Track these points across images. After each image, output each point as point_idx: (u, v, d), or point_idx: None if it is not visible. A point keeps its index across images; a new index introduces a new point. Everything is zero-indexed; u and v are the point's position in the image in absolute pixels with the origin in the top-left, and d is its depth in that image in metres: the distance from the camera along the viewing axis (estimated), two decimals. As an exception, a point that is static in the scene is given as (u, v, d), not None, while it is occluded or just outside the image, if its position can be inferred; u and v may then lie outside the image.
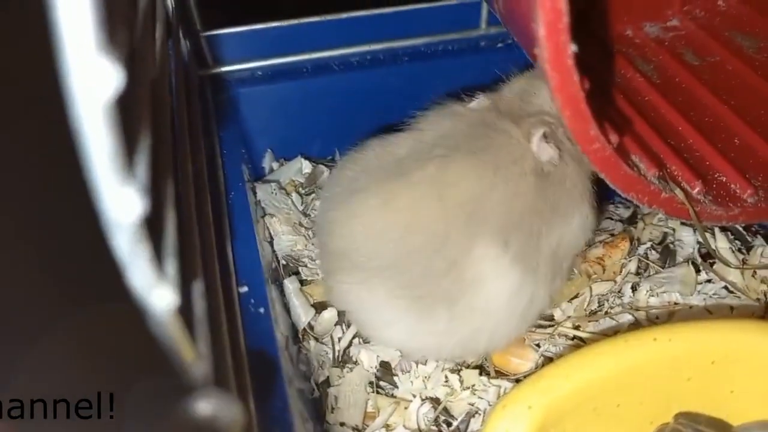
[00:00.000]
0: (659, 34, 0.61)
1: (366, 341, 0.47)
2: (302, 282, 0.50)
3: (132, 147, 0.21)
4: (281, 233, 0.52)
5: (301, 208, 0.56)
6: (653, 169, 0.41)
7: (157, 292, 0.22)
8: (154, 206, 0.23)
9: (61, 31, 0.17)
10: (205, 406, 0.23)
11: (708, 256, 0.50)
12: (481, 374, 0.45)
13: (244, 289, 0.40)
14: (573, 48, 0.30)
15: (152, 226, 0.22)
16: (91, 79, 0.17)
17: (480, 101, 0.47)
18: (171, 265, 0.23)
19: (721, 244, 0.49)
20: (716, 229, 0.50)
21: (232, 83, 0.58)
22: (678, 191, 0.41)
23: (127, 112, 0.20)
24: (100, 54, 0.17)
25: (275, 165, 0.62)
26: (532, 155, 0.42)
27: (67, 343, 0.30)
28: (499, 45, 0.62)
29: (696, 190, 0.43)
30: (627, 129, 0.45)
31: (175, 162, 0.32)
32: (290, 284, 0.49)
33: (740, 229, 0.51)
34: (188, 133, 0.40)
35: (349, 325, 0.49)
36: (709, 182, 0.45)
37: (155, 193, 0.24)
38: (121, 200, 0.19)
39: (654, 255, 0.51)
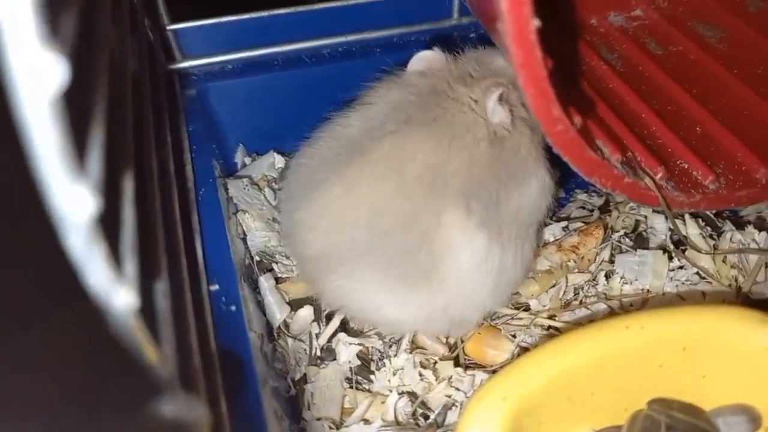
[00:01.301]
0: (623, 24, 0.62)
1: (350, 333, 0.47)
2: (277, 279, 0.50)
3: (83, 142, 0.20)
4: (254, 229, 0.52)
5: (274, 203, 0.55)
6: (617, 153, 0.41)
7: (115, 293, 0.21)
8: (111, 203, 0.22)
9: (1, 23, 0.16)
10: (168, 408, 0.22)
11: (680, 243, 0.50)
12: (456, 366, 0.45)
13: (215, 287, 0.39)
14: (536, 23, 0.30)
15: (109, 224, 0.21)
16: (35, 73, 0.16)
17: (433, 56, 0.47)
18: (130, 264, 0.23)
19: (692, 230, 0.50)
20: (686, 216, 0.50)
21: (201, 77, 0.57)
22: (646, 178, 0.41)
23: (78, 107, 0.20)
24: (43, 47, 0.16)
25: (248, 160, 0.61)
26: (485, 122, 0.42)
27: (35, 346, 0.29)
28: (472, 35, 0.62)
29: (659, 176, 0.43)
30: (591, 113, 0.45)
31: (137, 158, 0.31)
32: (265, 281, 0.48)
33: (710, 215, 0.52)
34: (154, 128, 0.39)
35: (327, 321, 0.48)
36: (672, 169, 0.45)
37: (112, 190, 0.23)
38: (72, 198, 0.19)
39: (627, 242, 0.52)
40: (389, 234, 0.40)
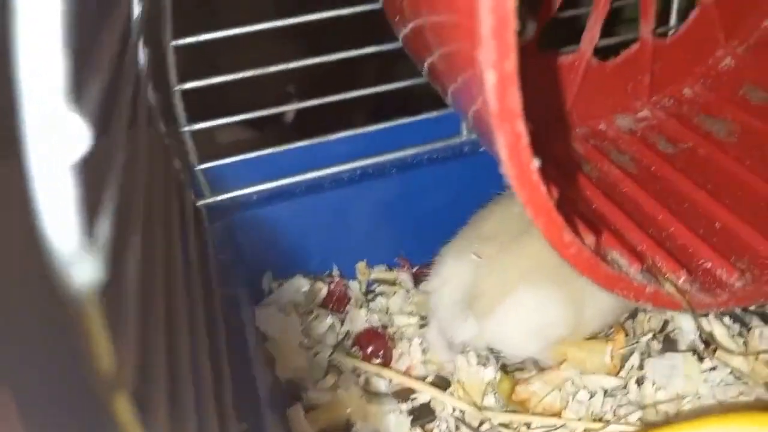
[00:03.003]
0: (632, 126, 0.64)
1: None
2: (306, 408, 0.49)
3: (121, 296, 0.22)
4: (282, 356, 0.52)
5: (300, 328, 0.56)
6: (636, 263, 0.42)
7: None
8: (144, 345, 0.24)
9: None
10: None
11: (710, 343, 0.49)
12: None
13: (243, 426, 0.39)
14: (536, 163, 0.31)
15: (141, 373, 0.23)
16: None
17: None
18: (159, 398, 0.24)
19: (718, 329, 0.49)
20: (711, 315, 0.50)
21: (229, 210, 0.61)
22: (667, 284, 0.42)
23: (115, 257, 0.22)
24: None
25: (275, 285, 0.63)
26: None
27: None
28: (482, 149, 0.65)
29: (681, 279, 0.43)
30: (604, 226, 0.46)
31: (167, 295, 0.33)
32: (293, 414, 0.48)
33: (737, 311, 0.51)
34: (183, 264, 0.42)
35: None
36: (695, 270, 0.45)
37: (145, 332, 0.25)
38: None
39: (656, 345, 0.51)
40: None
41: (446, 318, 0.52)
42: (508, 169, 0.31)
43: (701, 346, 0.49)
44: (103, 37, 0.27)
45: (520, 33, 0.27)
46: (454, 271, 0.52)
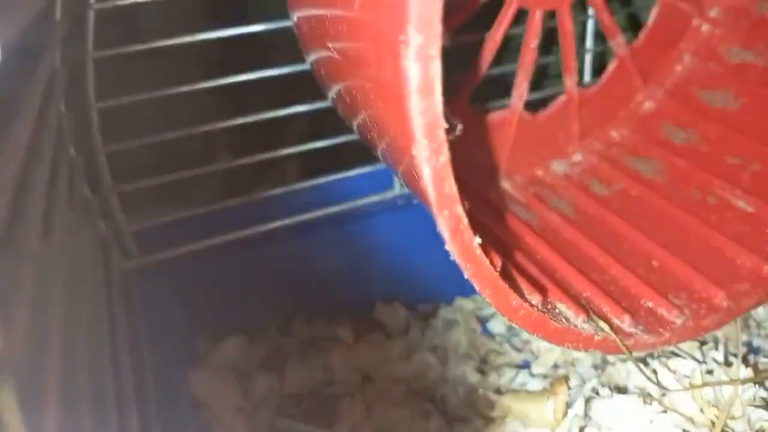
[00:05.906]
0: (567, 170, 0.65)
1: None
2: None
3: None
4: (218, 423, 0.50)
5: (238, 391, 0.54)
6: (581, 314, 0.42)
7: None
8: None
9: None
10: None
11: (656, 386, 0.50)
12: None
13: None
14: (477, 241, 0.32)
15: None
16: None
17: None
18: None
19: (662, 372, 0.50)
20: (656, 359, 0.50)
21: (160, 270, 0.58)
22: (604, 326, 0.42)
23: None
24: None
25: (210, 347, 0.60)
26: None
27: None
28: (415, 201, 0.65)
29: (626, 323, 0.44)
30: (549, 276, 0.46)
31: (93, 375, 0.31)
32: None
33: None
34: (110, 332, 0.39)
35: None
36: (637, 311, 0.46)
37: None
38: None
39: (606, 392, 0.51)
40: None
41: None
42: (451, 248, 0.32)
43: (648, 390, 0.49)
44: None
45: (449, 131, 0.28)
46: None
